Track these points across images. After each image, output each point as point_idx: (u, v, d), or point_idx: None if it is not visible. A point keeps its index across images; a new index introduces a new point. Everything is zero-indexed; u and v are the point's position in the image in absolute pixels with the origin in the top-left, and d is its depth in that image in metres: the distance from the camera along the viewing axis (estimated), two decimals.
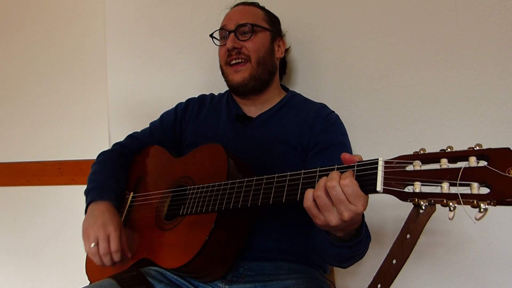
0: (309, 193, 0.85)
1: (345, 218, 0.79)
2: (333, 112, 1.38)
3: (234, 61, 1.36)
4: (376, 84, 1.62)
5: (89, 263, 1.38)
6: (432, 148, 0.74)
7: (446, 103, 1.54)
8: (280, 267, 1.20)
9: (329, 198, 0.80)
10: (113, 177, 1.37)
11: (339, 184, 0.79)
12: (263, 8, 1.48)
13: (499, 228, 1.50)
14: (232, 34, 1.35)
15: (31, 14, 2.15)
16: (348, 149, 1.30)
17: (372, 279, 0.78)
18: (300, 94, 1.50)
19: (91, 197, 1.27)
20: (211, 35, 1.45)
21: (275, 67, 1.44)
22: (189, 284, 1.18)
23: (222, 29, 1.41)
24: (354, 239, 0.93)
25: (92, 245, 1.15)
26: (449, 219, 0.61)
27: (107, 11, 1.96)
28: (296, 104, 1.42)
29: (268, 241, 1.21)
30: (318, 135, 1.28)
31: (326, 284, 1.26)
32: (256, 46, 1.36)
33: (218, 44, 1.45)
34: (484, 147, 0.66)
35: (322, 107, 1.40)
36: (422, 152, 0.69)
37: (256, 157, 1.25)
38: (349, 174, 0.79)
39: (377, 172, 0.74)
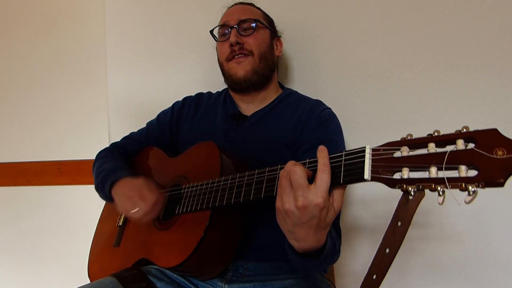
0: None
1: (299, 204, 0.74)
2: (328, 108, 1.36)
3: (237, 56, 1.36)
4: (376, 84, 1.62)
5: (91, 264, 1.38)
6: None
7: (446, 103, 1.54)
8: (279, 267, 1.20)
9: (290, 181, 0.77)
10: (121, 163, 1.39)
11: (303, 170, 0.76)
12: (259, 9, 1.49)
13: (499, 228, 1.49)
14: (235, 30, 1.36)
15: (31, 14, 2.17)
16: (340, 147, 1.26)
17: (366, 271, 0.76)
18: (296, 92, 1.49)
19: (109, 182, 1.27)
20: (211, 32, 1.45)
21: (275, 64, 1.45)
22: (189, 283, 1.18)
23: (223, 25, 1.41)
24: (314, 259, 0.88)
25: (135, 210, 1.14)
26: (439, 204, 0.60)
27: (107, 11, 1.98)
28: (291, 101, 1.40)
29: (267, 241, 1.20)
30: (309, 133, 1.27)
31: (325, 284, 1.25)
32: (258, 41, 1.37)
33: (218, 40, 1.44)
34: None
35: (317, 104, 1.38)
36: (409, 137, 0.67)
37: (252, 156, 1.23)
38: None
39: (364, 160, 0.72)
